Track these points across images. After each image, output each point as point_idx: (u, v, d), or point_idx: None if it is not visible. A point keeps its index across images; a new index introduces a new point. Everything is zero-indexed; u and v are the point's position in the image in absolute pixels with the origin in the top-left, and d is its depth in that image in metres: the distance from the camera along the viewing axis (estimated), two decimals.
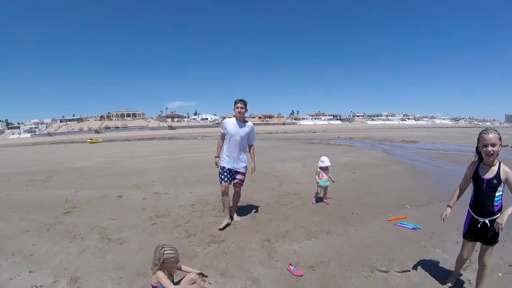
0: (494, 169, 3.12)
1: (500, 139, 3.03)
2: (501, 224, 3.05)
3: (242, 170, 5.69)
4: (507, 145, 21.04)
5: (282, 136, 44.70)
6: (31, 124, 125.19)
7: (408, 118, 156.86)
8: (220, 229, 5.34)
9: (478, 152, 3.24)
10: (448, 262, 4.08)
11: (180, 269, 3.47)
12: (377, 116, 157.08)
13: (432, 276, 3.76)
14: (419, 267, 3.97)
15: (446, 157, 15.28)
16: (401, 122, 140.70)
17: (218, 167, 5.77)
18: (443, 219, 3.67)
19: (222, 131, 5.68)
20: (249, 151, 5.93)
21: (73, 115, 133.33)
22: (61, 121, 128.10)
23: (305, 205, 6.84)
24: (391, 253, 4.37)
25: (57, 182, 9.92)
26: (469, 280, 3.66)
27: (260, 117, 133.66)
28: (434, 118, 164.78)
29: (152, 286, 3.14)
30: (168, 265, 3.13)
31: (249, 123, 5.70)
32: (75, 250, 4.53)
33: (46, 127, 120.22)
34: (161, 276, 3.10)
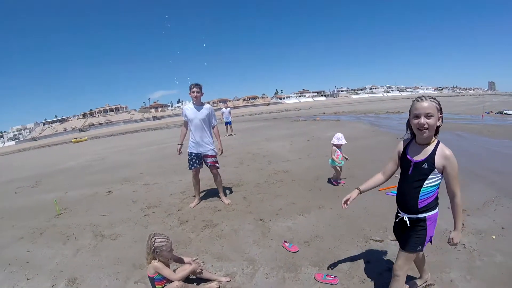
0: (429, 149, 2.36)
1: (439, 109, 2.35)
2: (453, 240, 2.48)
3: (210, 153, 5.64)
4: (491, 112, 21.45)
5: (267, 116, 44.53)
6: (14, 131, 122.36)
7: (392, 90, 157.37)
8: (190, 208, 5.74)
9: (409, 126, 2.50)
10: (441, 227, 4.06)
11: (177, 260, 3.41)
12: (361, 90, 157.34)
13: None
14: None
15: None
16: (385, 94, 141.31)
17: (180, 153, 5.85)
18: (343, 205, 2.88)
19: (184, 119, 5.67)
20: (214, 133, 5.87)
21: (56, 116, 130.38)
22: (44, 124, 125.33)
23: (295, 182, 6.85)
24: (384, 222, 4.40)
25: (46, 185, 9.74)
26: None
27: (244, 99, 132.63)
28: (418, 88, 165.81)
29: (149, 277, 3.08)
30: (160, 254, 3.06)
31: (207, 105, 5.67)
32: (70, 251, 4.49)
33: (30, 132, 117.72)
34: (159, 266, 3.05)
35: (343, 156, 6.33)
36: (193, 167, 5.69)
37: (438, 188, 2.46)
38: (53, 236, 5.19)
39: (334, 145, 6.27)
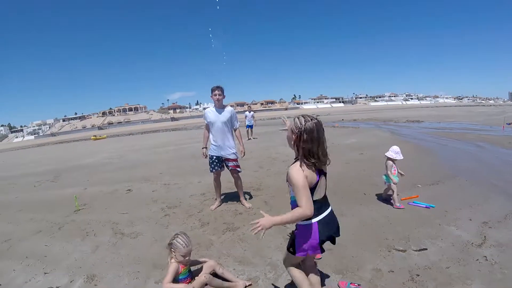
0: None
1: (295, 132, 2.42)
2: (257, 222, 2.40)
3: (232, 157, 5.65)
4: (511, 123, 21.02)
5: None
6: (34, 126, 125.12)
7: (411, 98, 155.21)
8: (211, 210, 5.77)
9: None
10: (462, 238, 4.10)
11: (193, 264, 3.45)
12: (379, 97, 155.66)
13: (448, 253, 3.77)
14: (436, 244, 4.00)
15: (451, 135, 15.20)
16: (404, 102, 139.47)
17: (206, 157, 5.82)
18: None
19: (206, 122, 5.69)
20: (236, 136, 5.88)
21: (75, 113, 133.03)
22: (63, 120, 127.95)
23: None
24: (407, 232, 4.38)
25: (65, 180, 9.92)
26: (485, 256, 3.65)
27: (262, 103, 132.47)
28: (437, 97, 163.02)
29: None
30: (174, 252, 3.12)
31: (228, 108, 5.66)
32: (89, 248, 4.50)
33: (49, 127, 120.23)
34: (170, 267, 3.10)
35: (398, 171, 5.64)
36: (214, 170, 5.71)
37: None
38: (71, 231, 5.23)
39: (390, 159, 5.56)
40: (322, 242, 2.58)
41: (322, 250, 2.67)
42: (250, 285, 3.35)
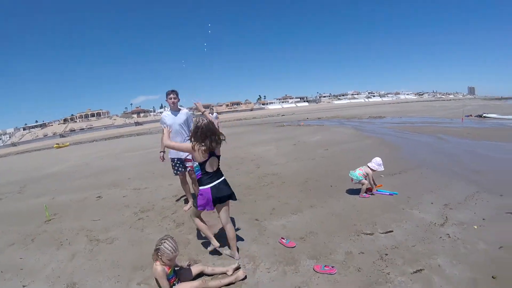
0: None
1: None
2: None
3: (190, 157, 5.69)
4: (470, 115, 22.29)
5: (252, 121, 44.80)
6: None
7: (374, 96, 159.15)
8: (185, 211, 5.78)
9: None
10: (425, 220, 4.49)
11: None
12: (343, 96, 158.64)
13: (413, 233, 4.12)
14: (401, 226, 4.34)
15: (413, 129, 15.97)
16: (366, 100, 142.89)
17: (163, 160, 5.91)
18: None
19: (162, 126, 5.72)
20: None
21: (36, 121, 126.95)
22: (24, 129, 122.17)
23: (285, 184, 7.06)
24: (373, 217, 4.71)
25: (32, 191, 9.59)
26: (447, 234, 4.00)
27: (227, 105, 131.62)
28: (399, 93, 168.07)
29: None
30: (161, 257, 3.15)
31: (184, 110, 5.75)
32: (65, 257, 4.41)
33: (10, 137, 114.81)
34: (159, 272, 3.14)
35: (372, 181, 5.81)
36: (178, 172, 5.79)
37: (200, 171, 3.72)
38: (45, 241, 5.09)
39: (372, 170, 5.79)
40: (214, 200, 3.73)
41: (215, 205, 3.80)
42: (239, 267, 3.51)
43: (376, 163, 5.80)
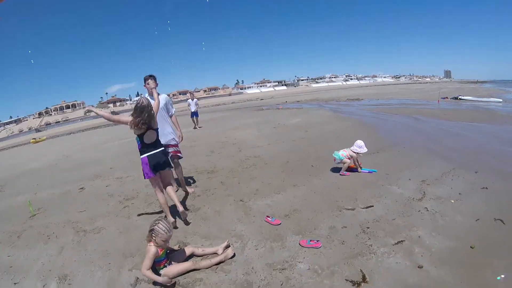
0: None
1: None
2: None
3: (172, 142, 5.66)
4: (446, 97, 22.88)
5: (230, 106, 44.50)
6: None
7: (351, 79, 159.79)
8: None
9: None
10: (404, 195, 4.71)
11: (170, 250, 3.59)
12: (320, 79, 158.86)
13: (393, 207, 4.34)
14: (381, 202, 4.56)
15: (390, 110, 16.38)
16: (344, 83, 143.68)
17: None
18: None
19: None
20: (173, 121, 5.88)
21: (10, 117, 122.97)
22: None
23: (267, 165, 7.20)
24: (354, 194, 4.92)
25: (12, 189, 9.37)
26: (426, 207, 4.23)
27: (205, 90, 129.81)
28: (376, 76, 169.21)
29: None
30: (155, 238, 3.20)
31: (163, 95, 5.65)
32: (54, 250, 4.36)
33: None
34: (149, 252, 3.18)
35: (357, 163, 6.07)
36: None
37: (140, 143, 4.38)
38: (32, 237, 5.00)
39: (356, 152, 5.94)
40: (153, 168, 4.34)
41: (157, 171, 4.42)
42: (228, 246, 3.60)
43: (357, 145, 5.92)
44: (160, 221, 3.26)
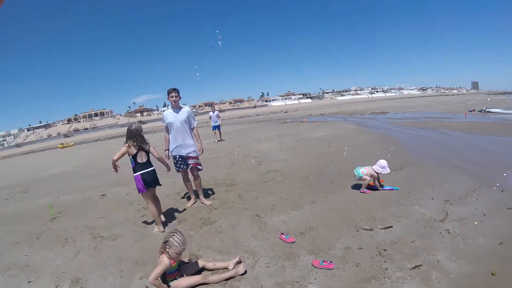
0: None
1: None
2: None
3: (192, 154, 5.80)
4: (473, 110, 22.23)
5: (255, 119, 44.71)
6: None
7: (377, 91, 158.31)
8: (186, 208, 5.92)
9: None
10: (425, 215, 4.49)
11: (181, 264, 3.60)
12: (346, 92, 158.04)
13: (413, 228, 4.13)
14: (400, 222, 4.36)
15: (415, 124, 15.95)
16: (370, 96, 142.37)
17: (168, 158, 5.87)
18: None
19: (164, 124, 5.83)
20: (194, 134, 5.98)
21: (40, 122, 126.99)
22: (28, 129, 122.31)
23: (287, 180, 7.10)
24: (373, 213, 4.74)
25: (37, 191, 9.68)
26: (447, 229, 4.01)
27: (230, 102, 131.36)
28: (402, 89, 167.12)
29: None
30: (169, 250, 3.22)
31: (185, 108, 5.87)
32: (70, 253, 4.49)
33: (14, 138, 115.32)
34: (161, 263, 3.20)
35: (379, 183, 5.87)
36: (180, 169, 5.87)
37: (133, 162, 4.95)
38: (50, 239, 5.17)
39: (377, 173, 5.74)
40: (146, 185, 4.84)
41: (149, 187, 4.91)
42: (240, 261, 3.57)
43: (379, 165, 5.72)
44: (175, 234, 3.28)
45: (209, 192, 6.68)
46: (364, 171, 5.75)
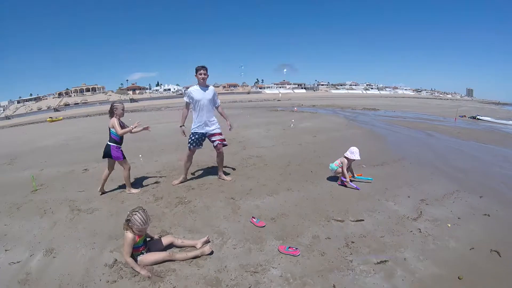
0: None
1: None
2: None
3: (218, 131, 5.90)
4: (464, 116, 22.45)
5: (246, 104, 44.61)
6: None
7: (371, 88, 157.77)
8: (173, 185, 5.99)
9: None
10: (399, 212, 4.56)
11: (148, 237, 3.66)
12: (341, 85, 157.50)
13: (384, 224, 4.20)
14: (373, 217, 4.42)
15: (404, 123, 16.09)
16: (364, 92, 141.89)
17: (185, 135, 5.92)
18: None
19: (187, 101, 5.80)
20: (220, 112, 6.16)
21: (31, 95, 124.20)
22: (18, 102, 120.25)
23: (267, 166, 7.18)
24: (347, 205, 4.81)
25: (22, 163, 9.58)
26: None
27: (224, 86, 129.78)
28: (397, 88, 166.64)
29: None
30: (132, 227, 3.26)
31: (211, 87, 5.87)
32: (47, 224, 4.58)
33: (3, 110, 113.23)
34: (127, 238, 3.25)
35: (350, 173, 5.92)
36: (192, 146, 5.83)
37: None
38: (30, 210, 5.22)
39: (347, 158, 5.76)
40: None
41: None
42: (208, 241, 3.65)
43: (349, 151, 5.77)
44: (137, 212, 3.29)
45: (192, 174, 6.71)
46: (336, 163, 5.83)
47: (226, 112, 6.28)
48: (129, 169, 5.71)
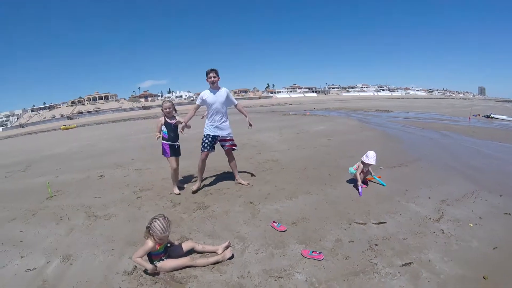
0: None
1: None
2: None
3: (229, 137, 5.87)
4: (478, 115, 22.08)
5: (258, 109, 44.58)
6: (1, 117, 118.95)
7: (383, 90, 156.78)
8: (192, 192, 5.80)
9: None
10: (420, 214, 4.45)
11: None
12: (352, 88, 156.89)
13: (406, 226, 4.10)
14: (394, 218, 4.32)
15: (418, 124, 15.86)
16: (375, 93, 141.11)
17: (182, 133, 5.78)
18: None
19: (198, 103, 5.75)
20: (239, 110, 6.24)
21: (44, 103, 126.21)
22: (32, 110, 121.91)
23: (284, 170, 7.09)
24: (367, 207, 4.71)
25: (36, 170, 9.68)
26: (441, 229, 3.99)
27: (235, 92, 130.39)
28: (408, 89, 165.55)
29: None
30: (152, 234, 3.22)
31: (223, 89, 5.78)
32: (64, 231, 4.54)
33: (17, 118, 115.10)
34: (146, 244, 3.21)
35: (367, 176, 5.89)
36: (205, 150, 5.73)
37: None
38: (45, 216, 5.20)
39: (363, 162, 5.70)
40: (172, 153, 5.73)
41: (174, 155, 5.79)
42: (229, 246, 3.56)
43: (366, 155, 5.70)
44: (158, 219, 3.25)
45: (208, 179, 6.67)
46: (355, 166, 5.75)
47: (233, 118, 6.24)
48: (173, 169, 5.80)
